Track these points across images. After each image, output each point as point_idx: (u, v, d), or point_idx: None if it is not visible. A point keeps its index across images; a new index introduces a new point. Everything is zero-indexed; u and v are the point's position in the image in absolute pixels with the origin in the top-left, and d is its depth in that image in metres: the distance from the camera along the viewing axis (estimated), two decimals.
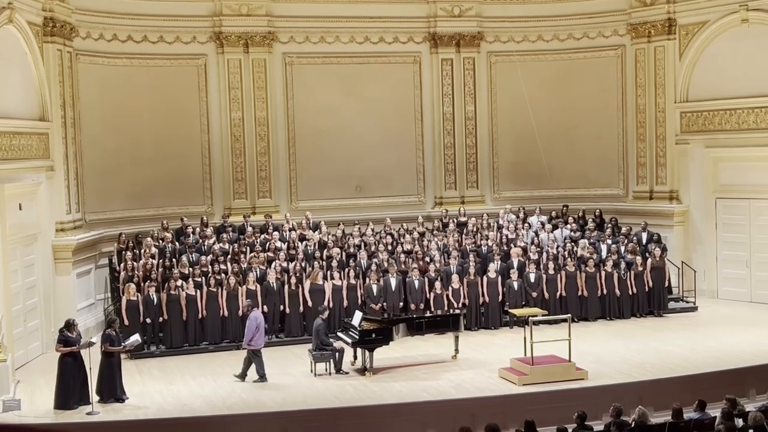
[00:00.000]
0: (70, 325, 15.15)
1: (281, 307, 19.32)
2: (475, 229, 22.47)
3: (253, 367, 16.31)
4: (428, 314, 18.49)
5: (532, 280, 20.30)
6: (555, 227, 22.75)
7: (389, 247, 21.29)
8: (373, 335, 16.68)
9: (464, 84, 24.64)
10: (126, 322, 18.10)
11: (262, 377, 16.24)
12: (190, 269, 19.45)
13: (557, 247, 21.41)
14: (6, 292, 16.60)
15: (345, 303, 19.51)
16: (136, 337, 15.90)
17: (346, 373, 16.74)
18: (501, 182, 25.23)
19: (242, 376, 16.31)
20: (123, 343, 15.51)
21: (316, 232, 21.81)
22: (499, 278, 20.27)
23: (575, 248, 21.36)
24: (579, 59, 24.88)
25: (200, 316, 18.83)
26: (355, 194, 24.27)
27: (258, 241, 21.14)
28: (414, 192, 24.81)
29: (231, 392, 15.61)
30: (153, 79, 22.58)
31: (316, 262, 20.02)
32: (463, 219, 23.22)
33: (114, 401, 15.04)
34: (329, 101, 23.93)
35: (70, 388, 14.82)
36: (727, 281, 22.66)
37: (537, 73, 24.90)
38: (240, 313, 18.89)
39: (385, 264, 20.25)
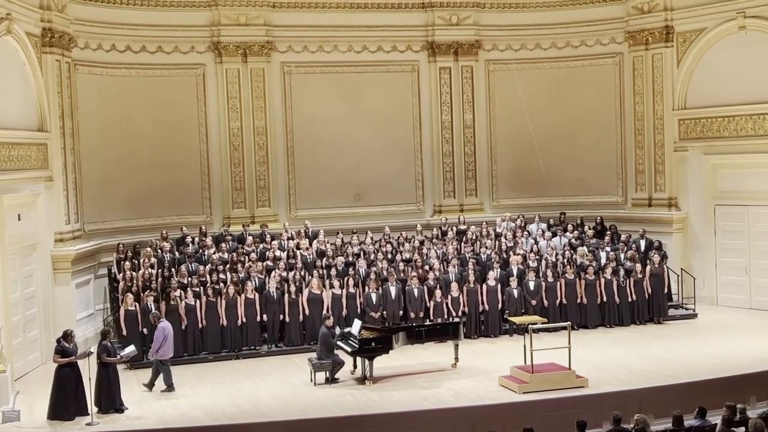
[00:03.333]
0: (67, 336, 15.14)
1: (281, 317, 19.32)
2: (474, 237, 22.47)
3: (161, 377, 16.36)
4: (428, 322, 18.48)
5: (532, 287, 20.29)
6: (554, 235, 22.76)
7: (388, 256, 21.29)
8: (373, 344, 16.67)
9: (462, 92, 24.68)
10: (125, 332, 18.12)
11: (170, 387, 16.31)
12: (189, 279, 19.43)
13: (556, 255, 21.41)
14: (5, 302, 16.55)
15: (344, 312, 19.49)
16: (132, 348, 15.92)
17: (336, 380, 16.70)
18: (500, 190, 25.25)
19: (150, 385, 16.38)
20: (119, 354, 15.50)
21: (314, 241, 21.79)
22: (499, 286, 20.25)
23: (574, 255, 21.36)
24: (577, 67, 24.93)
25: (200, 325, 18.80)
26: (354, 203, 24.28)
27: (258, 250, 21.14)
28: (413, 200, 24.81)
29: (231, 402, 15.58)
30: (151, 89, 22.60)
31: (315, 271, 20.04)
32: (462, 227, 23.22)
33: (113, 411, 15.02)
34: (328, 110, 23.96)
35: (65, 399, 14.76)
36: (727, 288, 22.64)
37: (535, 81, 24.94)
38: (239, 322, 18.92)
39: (385, 272, 20.25)
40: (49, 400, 14.86)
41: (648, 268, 21.03)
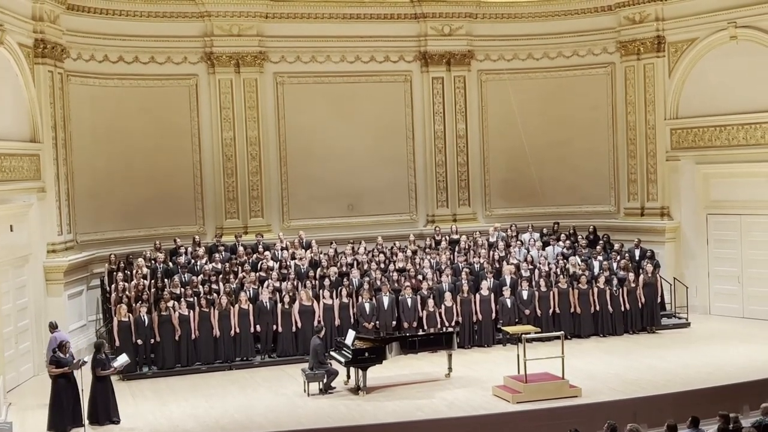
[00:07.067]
0: (62, 346, 15.10)
1: (274, 327, 19.28)
2: (467, 247, 22.48)
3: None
4: (421, 332, 18.43)
5: (525, 297, 20.29)
6: (547, 244, 22.79)
7: (382, 266, 21.28)
8: (366, 354, 16.64)
9: (455, 102, 24.73)
10: (117, 342, 18.06)
11: None
12: (183, 289, 19.39)
13: (549, 264, 21.43)
14: None
15: (337, 322, 19.47)
16: (124, 357, 15.83)
17: (332, 388, 16.67)
18: (493, 200, 25.29)
19: None
20: (112, 365, 15.45)
21: (307, 251, 21.76)
22: (492, 296, 20.25)
23: (567, 265, 21.39)
24: (569, 77, 25.01)
25: (193, 336, 18.74)
26: (347, 213, 24.29)
27: (250, 261, 21.10)
28: (406, 210, 24.83)
29: (224, 413, 15.53)
30: (144, 100, 22.60)
31: (308, 282, 20.02)
32: (455, 236, 23.24)
33: (109, 423, 14.96)
34: (320, 120, 23.98)
35: (63, 409, 14.72)
36: (720, 297, 22.68)
37: (527, 91, 25.01)
38: (232, 333, 18.85)
39: (378, 282, 20.23)
40: (48, 412, 14.81)
41: (641, 277, 21.06)
